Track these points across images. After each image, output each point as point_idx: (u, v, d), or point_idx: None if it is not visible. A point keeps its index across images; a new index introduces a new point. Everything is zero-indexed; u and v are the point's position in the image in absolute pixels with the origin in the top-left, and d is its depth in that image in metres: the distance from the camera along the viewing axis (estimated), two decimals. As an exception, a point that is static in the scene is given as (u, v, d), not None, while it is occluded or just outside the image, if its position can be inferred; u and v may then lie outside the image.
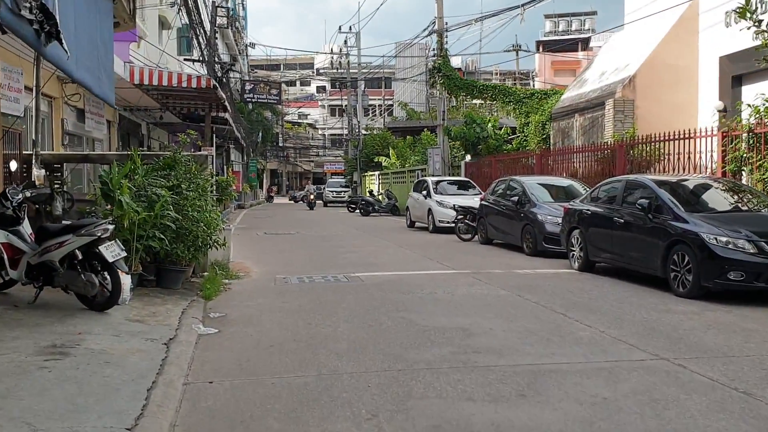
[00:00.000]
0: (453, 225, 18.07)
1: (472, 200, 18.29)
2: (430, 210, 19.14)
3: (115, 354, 5.18)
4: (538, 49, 63.41)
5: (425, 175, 26.89)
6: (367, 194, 34.68)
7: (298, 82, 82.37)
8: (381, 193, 32.15)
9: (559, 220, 12.27)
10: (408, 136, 38.16)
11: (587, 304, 7.77)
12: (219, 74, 22.94)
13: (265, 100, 35.80)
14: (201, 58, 21.81)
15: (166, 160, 9.18)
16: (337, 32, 44.71)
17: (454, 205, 16.86)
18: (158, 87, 17.09)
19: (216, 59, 23.60)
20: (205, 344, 5.94)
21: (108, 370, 4.74)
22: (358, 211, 30.67)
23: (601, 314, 7.13)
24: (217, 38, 26.42)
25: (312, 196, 37.00)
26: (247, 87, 34.59)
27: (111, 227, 6.74)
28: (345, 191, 42.72)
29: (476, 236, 15.90)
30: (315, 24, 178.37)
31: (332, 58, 47.13)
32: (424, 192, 19.86)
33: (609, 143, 16.48)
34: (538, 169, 18.26)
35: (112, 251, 6.61)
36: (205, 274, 9.64)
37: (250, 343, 5.93)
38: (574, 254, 10.85)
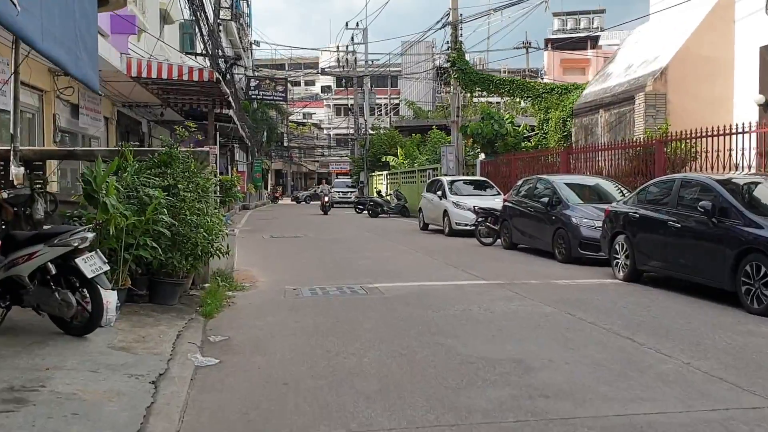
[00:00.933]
0: (471, 228, 16.95)
1: (493, 201, 17.17)
2: (446, 212, 18.01)
3: (88, 400, 4.07)
4: (546, 48, 62.43)
5: (437, 175, 25.74)
6: (375, 195, 33.58)
7: (302, 82, 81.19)
8: (390, 194, 31.01)
9: (596, 224, 11.16)
10: (416, 134, 37.14)
11: (652, 324, 6.63)
12: (223, 69, 21.86)
13: (271, 98, 34.58)
14: (204, 51, 20.73)
15: (161, 156, 8.09)
16: (344, 28, 43.54)
17: (474, 206, 15.71)
18: (158, 80, 16.03)
19: (220, 53, 22.50)
20: (203, 381, 4.82)
21: (75, 427, 3.63)
22: (366, 212, 29.56)
23: (674, 338, 5.99)
24: (220, 31, 25.34)
25: (326, 199, 31.85)
26: (252, 84, 33.38)
27: (91, 235, 5.63)
28: (352, 192, 41.59)
29: (498, 240, 14.77)
30: (319, 25, 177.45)
31: (338, 55, 45.97)
32: (439, 192, 18.72)
33: (641, 140, 15.33)
34: (564, 168, 17.10)
35: (91, 264, 5.51)
36: (206, 285, 8.54)
37: (259, 380, 4.81)
38: (618, 262, 9.70)
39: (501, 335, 6.12)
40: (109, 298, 5.83)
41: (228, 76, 22.93)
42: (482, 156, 25.16)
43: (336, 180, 47.93)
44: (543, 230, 12.52)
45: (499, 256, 12.91)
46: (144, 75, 15.34)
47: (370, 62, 45.38)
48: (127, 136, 20.99)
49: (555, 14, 75.58)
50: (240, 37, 42.43)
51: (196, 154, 8.65)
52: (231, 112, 20.96)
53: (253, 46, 50.97)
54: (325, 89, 79.22)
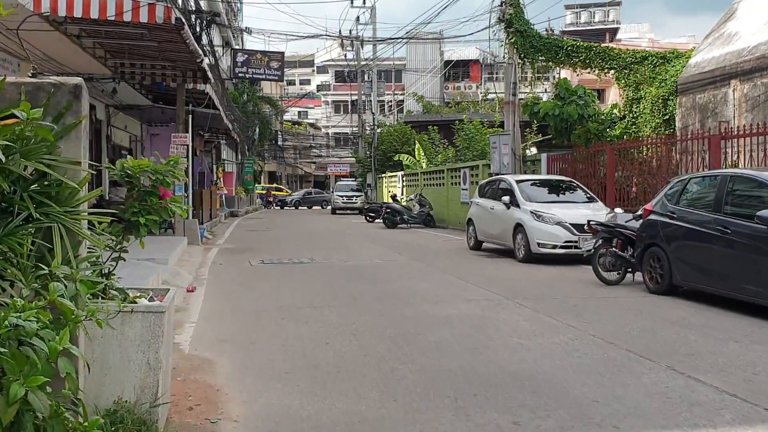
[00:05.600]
0: (561, 252, 11.43)
1: (591, 211, 11.63)
2: (519, 226, 12.27)
3: None
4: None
5: (476, 175, 20.09)
6: (390, 200, 27.86)
7: (297, 81, 75.62)
8: (410, 199, 25.19)
9: None
10: (431, 127, 31.77)
11: None
12: (197, 30, 16.15)
13: (263, 76, 28.59)
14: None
15: None
16: (349, 6, 37.71)
17: (588, 221, 9.96)
18: (84, 22, 10.32)
19: (192, 5, 16.73)
20: None
21: None
22: (380, 221, 23.81)
23: None
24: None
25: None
26: (240, 59, 27.36)
27: None
28: (358, 196, 35.76)
29: (628, 275, 9.15)
30: (313, 28, 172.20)
31: (342, 41, 40.28)
32: (506, 198, 12.96)
33: None
34: (715, 163, 11.38)
35: None
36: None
37: None
38: None
39: None
40: None
41: (203, 38, 17.12)
42: (534, 150, 19.54)
43: (339, 183, 41.94)
44: (757, 269, 6.84)
45: (673, 313, 7.18)
46: (62, 13, 9.62)
47: (377, 47, 39.58)
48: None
49: (567, 7, 70.96)
50: (228, 20, 36.74)
51: (31, 88, 2.91)
52: (208, 88, 15.21)
53: (244, 33, 45.22)
54: (322, 87, 73.66)
